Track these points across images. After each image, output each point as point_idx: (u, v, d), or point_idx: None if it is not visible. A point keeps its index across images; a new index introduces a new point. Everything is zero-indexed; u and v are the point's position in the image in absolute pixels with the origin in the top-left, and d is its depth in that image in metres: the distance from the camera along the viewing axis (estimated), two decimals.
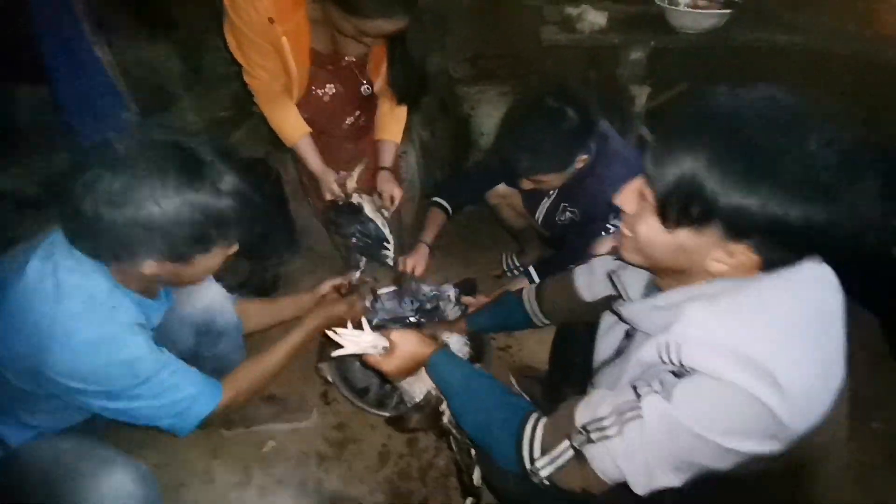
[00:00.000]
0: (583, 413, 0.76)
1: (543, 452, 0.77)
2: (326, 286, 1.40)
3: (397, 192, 1.57)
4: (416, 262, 1.64)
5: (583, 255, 1.37)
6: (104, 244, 0.82)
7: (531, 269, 1.59)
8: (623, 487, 0.73)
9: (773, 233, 0.62)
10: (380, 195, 1.58)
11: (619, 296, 0.92)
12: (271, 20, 1.21)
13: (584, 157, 1.41)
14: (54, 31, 1.41)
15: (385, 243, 1.56)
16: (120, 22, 1.60)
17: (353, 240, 1.55)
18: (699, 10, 1.95)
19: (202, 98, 1.79)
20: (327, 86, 1.47)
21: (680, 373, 0.67)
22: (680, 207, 0.66)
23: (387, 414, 1.44)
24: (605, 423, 0.72)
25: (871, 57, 1.87)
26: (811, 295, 0.68)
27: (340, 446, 1.48)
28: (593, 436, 0.72)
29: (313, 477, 1.41)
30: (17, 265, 0.87)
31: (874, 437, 1.46)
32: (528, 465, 0.78)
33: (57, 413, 0.97)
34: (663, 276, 0.79)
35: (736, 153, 0.61)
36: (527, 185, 1.49)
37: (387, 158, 1.62)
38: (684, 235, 0.68)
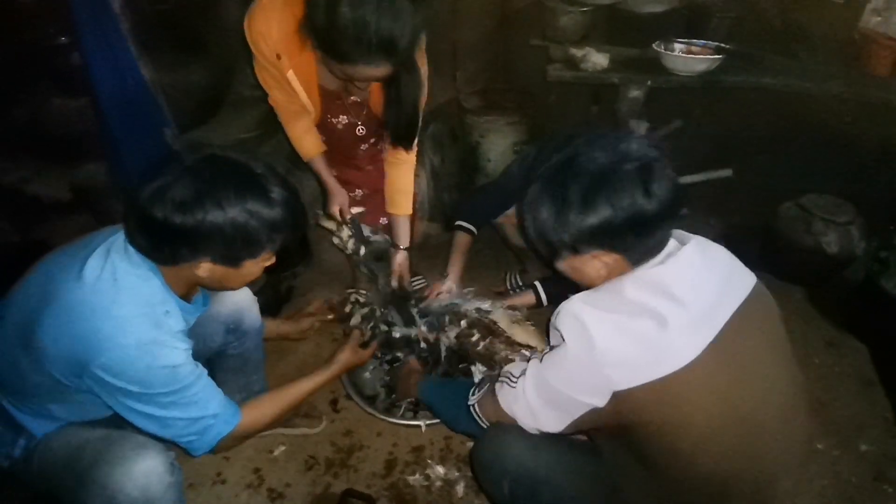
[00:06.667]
0: (506, 370, 1.05)
1: (476, 392, 1.11)
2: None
3: (404, 282, 1.66)
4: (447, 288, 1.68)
5: None
6: (169, 246, 0.89)
7: (537, 284, 1.64)
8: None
9: (593, 237, 0.85)
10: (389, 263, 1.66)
11: None
12: (278, 56, 1.29)
13: None
14: (103, 51, 1.53)
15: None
16: (159, 45, 1.73)
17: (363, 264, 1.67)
18: (692, 56, 2.11)
19: (229, 119, 1.90)
20: (340, 116, 1.54)
21: (556, 345, 0.91)
22: (543, 249, 0.95)
23: (394, 420, 1.53)
24: (513, 377, 1.00)
25: (857, 96, 2.02)
26: (651, 280, 0.85)
27: (348, 452, 1.53)
28: (503, 380, 1.03)
29: (322, 481, 1.45)
30: (71, 265, 0.91)
31: (862, 459, 1.52)
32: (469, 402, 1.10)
33: (87, 408, 1.00)
34: None
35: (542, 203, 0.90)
36: None
37: (402, 237, 1.64)
38: (567, 260, 0.93)
